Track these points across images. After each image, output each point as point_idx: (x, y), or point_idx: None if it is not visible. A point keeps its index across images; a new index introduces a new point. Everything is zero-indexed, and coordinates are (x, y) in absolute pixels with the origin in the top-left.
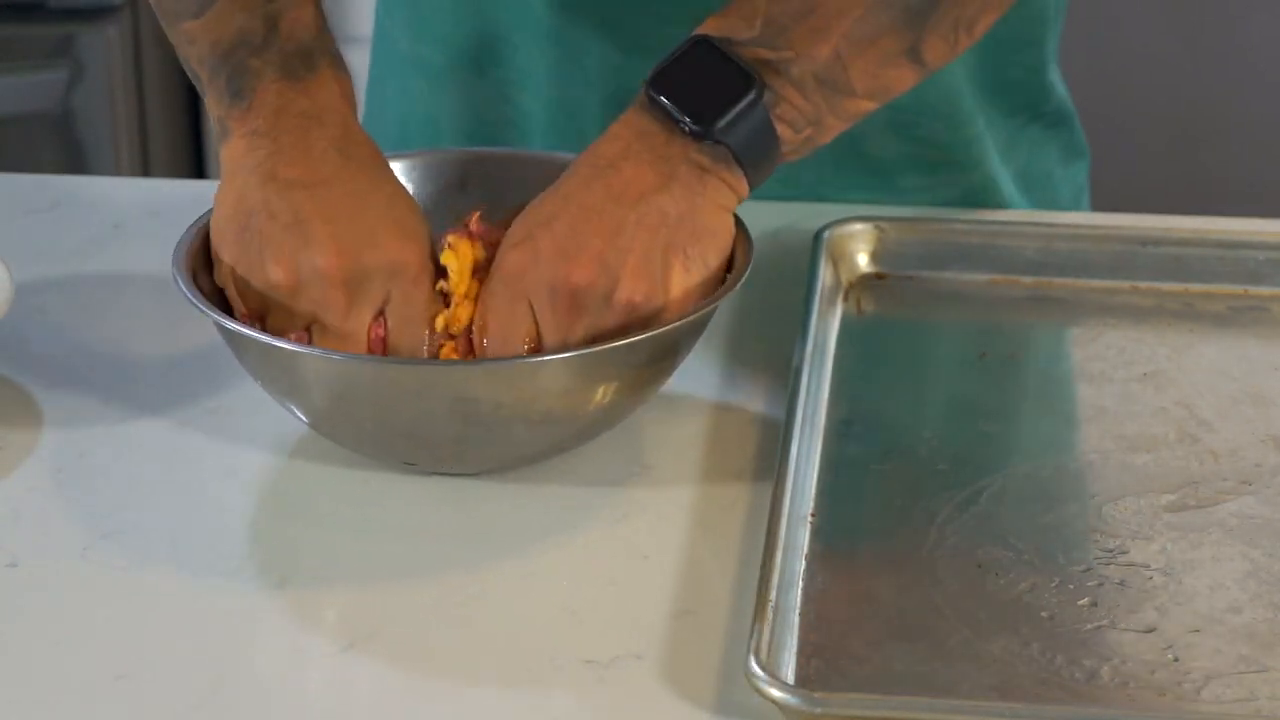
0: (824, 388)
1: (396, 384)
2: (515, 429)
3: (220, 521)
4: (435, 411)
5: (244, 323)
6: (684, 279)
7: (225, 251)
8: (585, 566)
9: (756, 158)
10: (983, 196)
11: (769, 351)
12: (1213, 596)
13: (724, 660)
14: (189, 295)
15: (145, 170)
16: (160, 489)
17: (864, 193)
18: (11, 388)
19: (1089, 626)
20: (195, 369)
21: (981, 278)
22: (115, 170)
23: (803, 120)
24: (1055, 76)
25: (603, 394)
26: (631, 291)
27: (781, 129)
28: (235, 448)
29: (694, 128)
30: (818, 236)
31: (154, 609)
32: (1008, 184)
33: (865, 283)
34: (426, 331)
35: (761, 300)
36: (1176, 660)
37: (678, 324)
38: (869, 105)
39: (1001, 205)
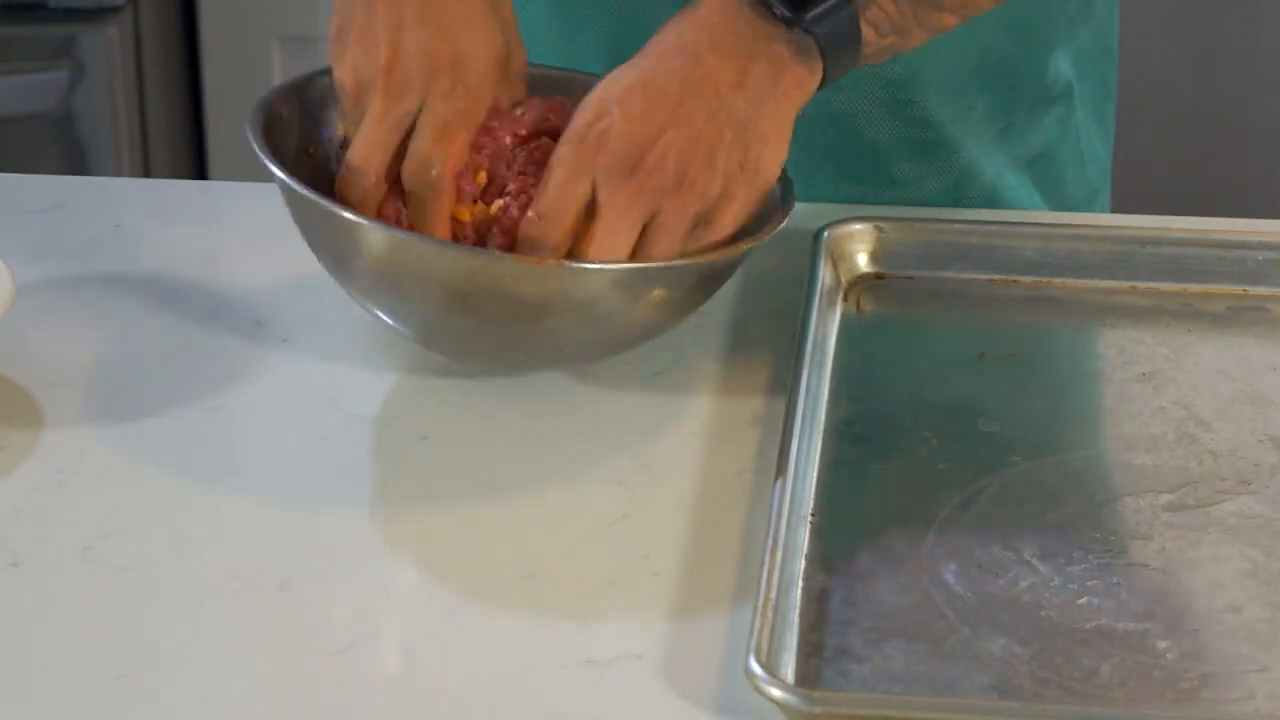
0: (824, 388)
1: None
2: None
3: (220, 521)
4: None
5: (299, 185)
6: (741, 181)
7: (332, 50)
8: (585, 566)
9: (838, 53)
10: (971, 182)
11: (769, 351)
12: (1211, 596)
13: (724, 660)
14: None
15: (146, 171)
16: (160, 489)
17: (858, 184)
18: (11, 388)
19: (1089, 626)
20: (195, 369)
21: (981, 278)
22: (116, 171)
23: (888, 26)
24: (1066, 70)
25: (643, 309)
26: (693, 187)
27: (867, 31)
28: (235, 447)
29: (785, 13)
30: (817, 236)
31: (154, 609)
32: (1002, 169)
33: (865, 283)
34: (441, 154)
35: (761, 300)
36: (1175, 659)
37: (723, 254)
38: (953, 20)
39: (993, 191)
